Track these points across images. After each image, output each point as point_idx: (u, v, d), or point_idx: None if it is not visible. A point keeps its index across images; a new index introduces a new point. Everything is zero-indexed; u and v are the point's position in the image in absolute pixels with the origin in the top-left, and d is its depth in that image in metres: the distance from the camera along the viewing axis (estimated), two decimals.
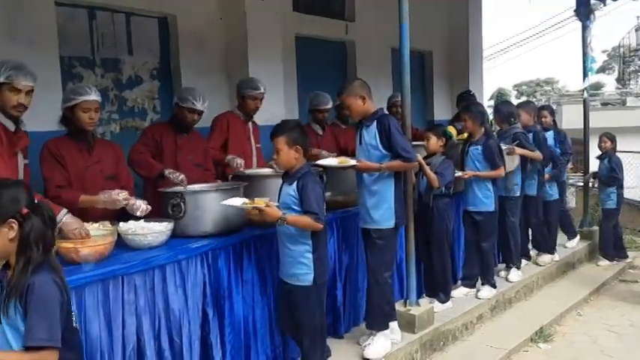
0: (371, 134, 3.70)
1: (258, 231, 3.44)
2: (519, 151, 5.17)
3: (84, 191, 3.33)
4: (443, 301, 4.58)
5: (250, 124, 4.84)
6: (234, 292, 3.25)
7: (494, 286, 5.05)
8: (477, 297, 4.92)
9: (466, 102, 6.06)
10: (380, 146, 3.65)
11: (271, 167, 4.15)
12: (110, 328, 2.64)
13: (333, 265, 3.90)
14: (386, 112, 4.00)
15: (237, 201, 3.13)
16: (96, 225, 3.02)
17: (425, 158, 4.49)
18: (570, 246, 6.73)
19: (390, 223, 3.72)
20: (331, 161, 3.89)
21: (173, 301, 2.91)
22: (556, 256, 6.18)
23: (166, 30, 5.58)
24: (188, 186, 3.65)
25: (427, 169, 4.39)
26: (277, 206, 3.10)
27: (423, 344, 4.09)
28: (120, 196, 3.13)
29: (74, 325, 2.02)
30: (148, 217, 3.19)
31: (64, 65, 4.68)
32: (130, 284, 2.73)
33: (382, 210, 3.70)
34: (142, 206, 3.17)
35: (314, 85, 6.37)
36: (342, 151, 5.23)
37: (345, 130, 5.69)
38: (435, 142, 4.54)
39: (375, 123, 3.68)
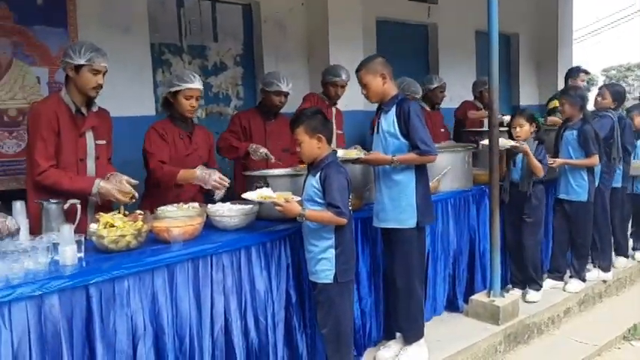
0: (389, 120, 3.31)
1: None
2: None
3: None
4: (538, 289, 4.45)
5: (334, 109, 4.86)
6: None
7: (583, 279, 4.81)
8: (564, 290, 4.72)
9: (574, 79, 5.96)
10: (399, 134, 3.26)
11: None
12: (199, 306, 2.72)
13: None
14: (410, 98, 3.71)
15: (255, 195, 2.96)
16: (185, 206, 3.13)
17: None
18: None
19: (411, 222, 3.31)
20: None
21: (259, 282, 2.97)
22: None
23: (250, 17, 5.67)
24: (273, 170, 3.70)
25: (534, 158, 4.21)
26: (300, 200, 2.92)
27: (507, 336, 3.97)
28: (215, 175, 3.25)
29: None
30: (235, 199, 3.27)
31: (154, 52, 4.86)
32: (218, 264, 2.80)
33: (402, 207, 3.30)
34: (221, 192, 3.33)
35: (395, 69, 6.20)
36: None
37: (430, 113, 5.58)
38: (527, 128, 4.32)
39: (394, 108, 3.29)
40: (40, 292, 2.18)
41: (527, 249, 4.39)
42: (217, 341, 2.79)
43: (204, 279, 2.74)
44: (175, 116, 3.60)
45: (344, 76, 4.66)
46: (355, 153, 3.34)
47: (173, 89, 3.52)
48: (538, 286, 4.47)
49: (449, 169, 4.11)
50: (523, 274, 4.48)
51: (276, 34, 5.70)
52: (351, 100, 5.37)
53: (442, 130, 5.67)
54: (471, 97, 6.34)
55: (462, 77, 7.29)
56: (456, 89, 6.92)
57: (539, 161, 4.23)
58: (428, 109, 5.66)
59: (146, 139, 3.53)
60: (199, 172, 3.33)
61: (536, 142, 4.36)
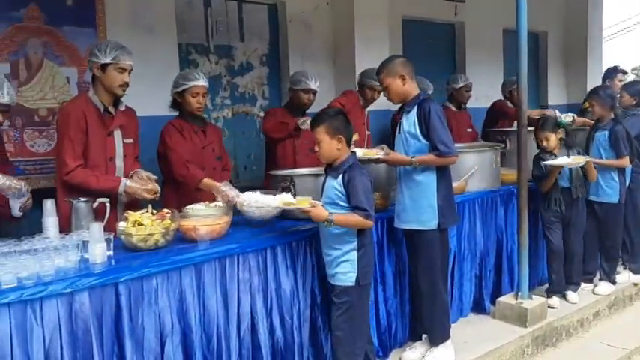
0: (410, 121, 3.27)
1: None
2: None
3: (201, 169, 3.55)
4: (575, 290, 4.47)
5: (366, 110, 4.86)
6: None
7: (613, 282, 4.72)
8: (593, 292, 4.63)
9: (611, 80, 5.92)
10: (419, 135, 3.23)
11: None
12: (227, 305, 2.73)
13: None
14: (432, 98, 3.49)
15: (277, 201, 2.92)
16: (212, 205, 3.15)
17: (546, 152, 4.24)
18: None
19: (432, 223, 3.28)
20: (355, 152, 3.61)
21: (284, 281, 2.97)
22: None
23: (275, 16, 5.68)
24: (299, 170, 3.72)
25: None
26: (322, 205, 2.86)
27: (535, 339, 3.92)
28: (234, 193, 3.27)
29: None
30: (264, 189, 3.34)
31: (181, 52, 4.91)
32: (244, 263, 2.81)
33: (423, 208, 3.27)
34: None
35: (421, 69, 6.16)
36: None
37: (455, 113, 5.53)
38: (554, 138, 4.23)
39: (415, 108, 3.26)
40: (71, 290, 2.21)
41: (576, 254, 4.43)
42: (244, 340, 2.81)
43: (231, 278, 2.76)
44: (186, 114, 3.65)
45: None
46: (375, 153, 3.31)
47: (180, 88, 3.59)
48: (576, 286, 4.48)
49: (476, 169, 4.07)
50: (567, 278, 4.45)
51: (302, 33, 5.70)
52: (377, 100, 5.35)
53: (469, 130, 5.61)
54: (497, 97, 6.27)
55: (489, 76, 7.21)
56: (483, 88, 6.85)
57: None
58: (453, 108, 5.61)
59: (165, 134, 3.59)
60: (224, 187, 3.33)
61: (568, 149, 4.30)
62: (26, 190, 2.91)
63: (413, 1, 6.72)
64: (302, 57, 5.66)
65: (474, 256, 4.13)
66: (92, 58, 3.10)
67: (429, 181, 3.26)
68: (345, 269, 2.86)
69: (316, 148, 2.91)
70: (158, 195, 3.11)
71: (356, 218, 2.78)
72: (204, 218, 2.92)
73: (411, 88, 3.31)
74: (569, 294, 4.43)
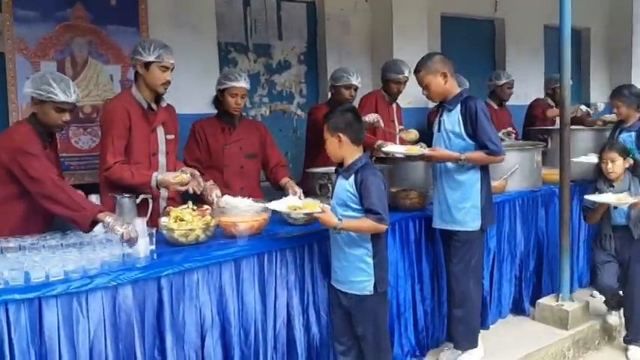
0: (453, 119, 3.19)
1: (401, 215, 3.41)
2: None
3: (224, 166, 3.69)
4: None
5: (394, 105, 4.83)
6: None
7: None
8: None
9: None
10: (464, 134, 3.15)
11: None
12: (264, 300, 2.76)
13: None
14: (470, 95, 3.32)
15: (284, 205, 2.81)
16: (249, 200, 3.15)
17: (605, 180, 3.76)
18: None
19: (475, 224, 3.21)
20: (397, 148, 3.46)
21: (320, 278, 2.98)
22: None
23: (314, 14, 5.68)
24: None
25: None
26: (333, 206, 2.77)
27: (576, 342, 3.84)
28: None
29: None
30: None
31: (220, 50, 4.96)
32: (282, 260, 2.83)
33: (466, 208, 3.20)
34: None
35: (459, 65, 6.10)
36: None
37: (497, 110, 5.46)
38: (621, 163, 3.71)
39: (458, 106, 3.17)
40: (115, 283, 2.27)
41: (636, 305, 3.75)
42: (279, 335, 2.84)
43: (269, 274, 2.79)
44: (222, 113, 3.72)
45: (406, 72, 4.60)
46: (417, 149, 3.28)
47: (221, 87, 3.66)
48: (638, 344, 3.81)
49: (517, 168, 4.00)
50: (633, 329, 3.80)
51: (340, 31, 5.69)
52: (416, 97, 5.30)
53: (510, 128, 5.52)
54: (537, 94, 6.15)
55: (530, 74, 7.07)
56: (524, 86, 6.72)
57: None
58: (495, 106, 5.55)
59: (188, 137, 3.73)
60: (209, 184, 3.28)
61: (636, 178, 3.78)
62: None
63: None
64: (340, 55, 5.65)
65: (514, 257, 4.07)
66: (136, 55, 3.16)
67: (473, 180, 3.20)
68: (361, 277, 2.73)
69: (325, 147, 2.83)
70: (189, 186, 3.06)
71: (368, 223, 2.65)
72: (243, 214, 2.95)
73: (452, 86, 3.24)
74: (629, 350, 3.80)
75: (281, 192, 3.62)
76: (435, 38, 6.42)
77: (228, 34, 5.07)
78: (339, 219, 2.64)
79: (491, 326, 3.88)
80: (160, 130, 3.30)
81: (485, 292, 3.80)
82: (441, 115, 3.31)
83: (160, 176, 3.08)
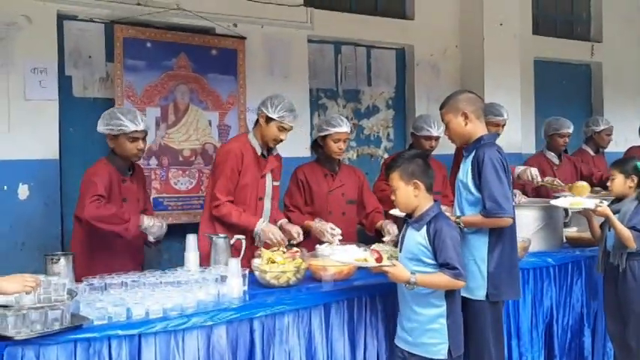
0: (465, 168, 2.80)
1: None
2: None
3: (327, 213, 3.65)
4: None
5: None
6: None
7: None
8: None
9: None
10: (471, 186, 2.74)
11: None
12: (354, 350, 2.72)
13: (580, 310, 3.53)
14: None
15: (350, 256, 2.62)
16: (342, 247, 3.14)
17: (612, 203, 3.46)
18: None
19: (479, 293, 2.72)
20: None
21: None
22: None
23: (403, 60, 5.74)
24: None
25: (618, 224, 3.24)
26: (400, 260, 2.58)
27: None
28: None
29: None
30: None
31: (312, 96, 5.11)
32: (372, 308, 2.79)
33: (469, 272, 2.65)
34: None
35: (554, 110, 5.98)
36: (583, 179, 4.76)
37: (593, 157, 5.27)
38: (620, 181, 3.42)
39: (472, 153, 2.77)
40: (211, 323, 2.32)
41: (632, 350, 3.30)
42: None
43: (359, 321, 2.75)
44: (323, 158, 3.76)
45: (505, 115, 4.38)
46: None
47: (323, 133, 3.69)
48: None
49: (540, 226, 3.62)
50: None
51: (429, 76, 5.71)
52: (509, 142, 5.16)
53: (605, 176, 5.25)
54: (638, 141, 5.82)
55: (629, 119, 6.74)
56: (622, 132, 6.40)
57: (632, 228, 3.24)
58: (591, 152, 5.32)
59: (290, 182, 3.79)
60: (314, 224, 3.48)
61: (637, 201, 3.37)
62: (165, 228, 3.23)
63: (546, 42, 6.53)
64: (428, 100, 5.65)
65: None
66: (262, 107, 3.32)
67: (479, 243, 2.74)
68: (434, 339, 2.50)
69: (392, 197, 2.63)
70: (284, 245, 3.16)
71: (444, 278, 2.44)
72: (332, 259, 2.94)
73: (474, 128, 2.82)
74: None
75: (374, 237, 3.62)
76: (528, 83, 6.31)
77: (320, 80, 5.22)
78: (412, 272, 2.47)
79: None
80: (269, 176, 3.45)
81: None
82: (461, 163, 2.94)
83: (263, 225, 3.21)
